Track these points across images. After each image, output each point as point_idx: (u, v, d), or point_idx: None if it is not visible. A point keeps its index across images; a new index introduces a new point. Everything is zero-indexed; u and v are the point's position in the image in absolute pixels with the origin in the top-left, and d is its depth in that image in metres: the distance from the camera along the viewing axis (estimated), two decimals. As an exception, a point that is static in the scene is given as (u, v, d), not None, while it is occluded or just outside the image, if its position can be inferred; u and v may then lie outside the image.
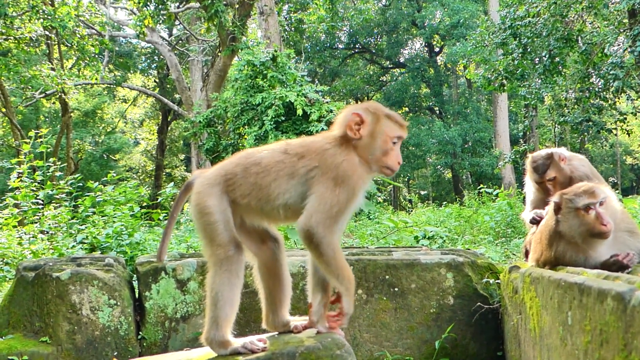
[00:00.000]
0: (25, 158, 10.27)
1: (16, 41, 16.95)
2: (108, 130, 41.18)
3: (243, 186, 3.47)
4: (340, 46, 44.55)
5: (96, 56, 24.26)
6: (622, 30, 16.07)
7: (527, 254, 4.78)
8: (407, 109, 43.58)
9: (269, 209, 3.47)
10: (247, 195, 3.46)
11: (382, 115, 3.46)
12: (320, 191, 3.30)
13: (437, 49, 43.60)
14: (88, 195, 10.38)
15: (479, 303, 5.37)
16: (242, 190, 3.47)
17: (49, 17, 15.79)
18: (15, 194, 9.77)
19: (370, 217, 17.70)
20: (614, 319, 2.59)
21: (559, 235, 3.90)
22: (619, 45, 17.34)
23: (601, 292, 2.75)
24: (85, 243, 8.69)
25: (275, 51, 17.81)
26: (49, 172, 10.39)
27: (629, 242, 3.82)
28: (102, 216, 9.75)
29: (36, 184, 10.05)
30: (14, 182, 9.69)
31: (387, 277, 5.45)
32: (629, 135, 21.25)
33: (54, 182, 10.69)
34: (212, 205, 3.48)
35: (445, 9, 36.78)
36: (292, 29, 28.81)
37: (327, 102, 17.41)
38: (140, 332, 5.60)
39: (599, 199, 3.71)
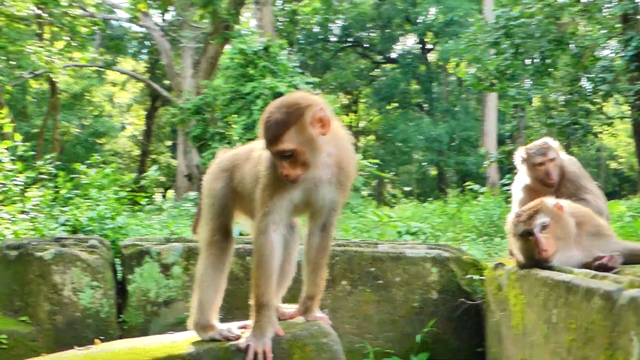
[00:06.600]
0: None
1: (8, 18, 16.70)
2: (95, 113, 40.83)
3: (238, 173, 3.44)
4: (333, 39, 44.38)
5: (87, 37, 24.05)
6: (614, 35, 16.14)
7: (512, 252, 4.77)
8: (396, 104, 43.56)
9: (248, 202, 3.39)
10: (238, 183, 3.43)
11: None
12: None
13: (429, 46, 43.61)
14: (73, 178, 10.29)
15: (462, 299, 5.38)
16: (237, 177, 3.45)
17: None
18: None
19: (354, 210, 17.68)
20: (600, 317, 2.60)
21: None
22: (610, 49, 17.43)
23: (589, 290, 2.75)
24: (67, 225, 8.62)
25: (269, 41, 17.72)
26: (17, 152, 10.21)
27: (595, 245, 3.72)
28: (86, 199, 9.67)
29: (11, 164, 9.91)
30: None
31: (372, 269, 5.44)
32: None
33: (34, 163, 10.53)
34: (216, 189, 3.48)
35: (440, 6, 36.80)
36: (287, 19, 28.67)
37: (317, 95, 17.36)
38: (121, 315, 5.56)
39: (535, 225, 3.60)
